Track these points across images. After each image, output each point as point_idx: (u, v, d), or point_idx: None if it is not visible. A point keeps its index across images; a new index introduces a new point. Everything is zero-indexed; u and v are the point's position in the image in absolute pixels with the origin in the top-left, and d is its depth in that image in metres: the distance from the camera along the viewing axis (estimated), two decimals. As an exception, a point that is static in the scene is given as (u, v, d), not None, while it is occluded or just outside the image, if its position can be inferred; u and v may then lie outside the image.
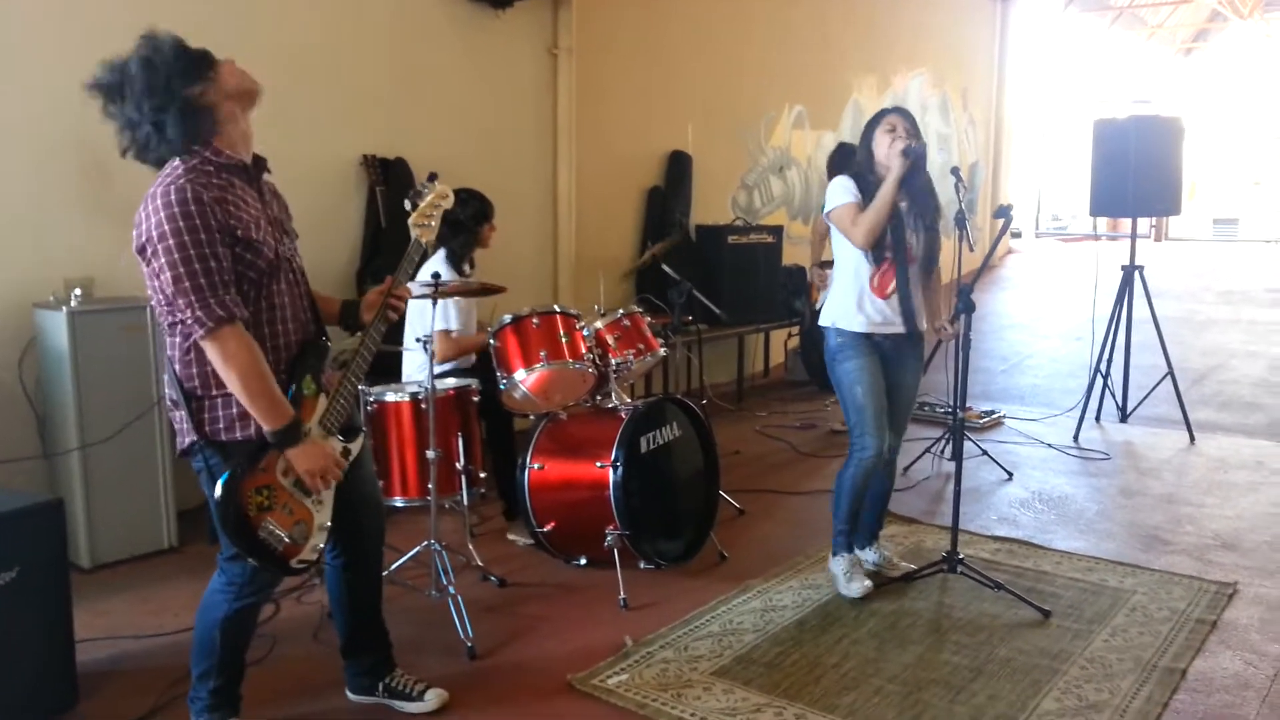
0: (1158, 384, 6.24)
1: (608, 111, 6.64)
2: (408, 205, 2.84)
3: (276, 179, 2.58)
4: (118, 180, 4.14)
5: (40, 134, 4.06)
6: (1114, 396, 6.41)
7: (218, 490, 2.33)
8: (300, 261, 2.60)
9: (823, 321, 3.69)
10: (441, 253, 4.35)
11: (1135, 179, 5.88)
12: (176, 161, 2.33)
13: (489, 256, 5.09)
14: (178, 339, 2.37)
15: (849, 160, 5.01)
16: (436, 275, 3.62)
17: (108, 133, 4.23)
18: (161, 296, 2.32)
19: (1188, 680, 3.08)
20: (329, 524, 2.52)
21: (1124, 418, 6.41)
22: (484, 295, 4.05)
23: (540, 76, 6.21)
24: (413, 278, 3.12)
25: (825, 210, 3.63)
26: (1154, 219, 15.32)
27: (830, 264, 3.88)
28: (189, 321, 2.27)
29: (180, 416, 2.43)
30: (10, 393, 4.00)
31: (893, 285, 3.55)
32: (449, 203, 2.89)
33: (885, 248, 3.53)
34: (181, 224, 2.24)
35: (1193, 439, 5.97)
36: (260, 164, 2.50)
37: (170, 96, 2.28)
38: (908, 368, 3.71)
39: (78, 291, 3.91)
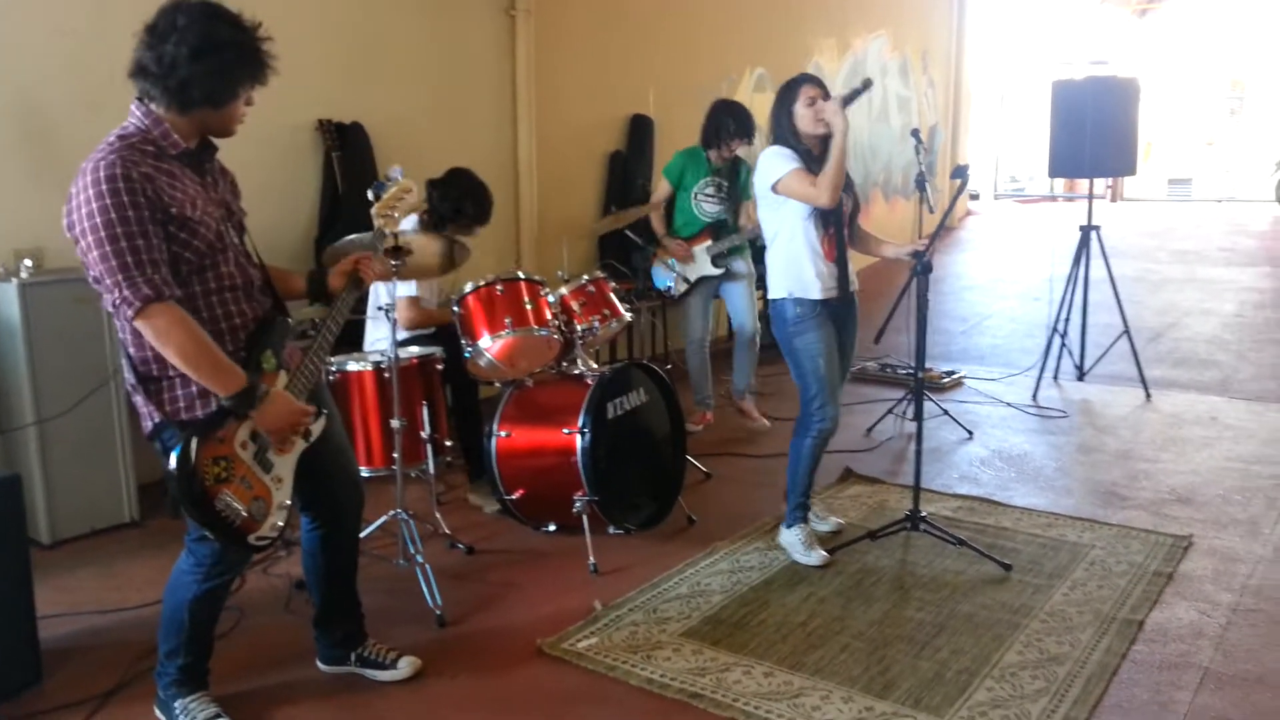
0: (1114, 343, 6.34)
1: (567, 75, 6.56)
2: (370, 195, 2.89)
3: (231, 146, 2.52)
4: (64, 147, 4.03)
5: (-16, 101, 3.95)
6: (1071, 355, 6.51)
7: (172, 460, 2.29)
8: (251, 241, 2.56)
9: (775, 294, 3.65)
10: (414, 219, 4.30)
11: (1092, 140, 5.92)
12: (112, 137, 2.28)
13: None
14: (124, 322, 2.31)
15: (723, 118, 5.04)
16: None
17: (52, 99, 4.10)
18: (93, 276, 2.27)
19: (1145, 631, 3.15)
20: (288, 503, 2.49)
21: (1081, 376, 6.50)
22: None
23: (498, 38, 6.12)
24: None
25: (771, 182, 3.53)
26: (1110, 180, 15.50)
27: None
28: (118, 302, 2.22)
29: (141, 400, 2.39)
30: (-39, 367, 3.91)
31: (835, 250, 3.59)
32: (413, 196, 2.98)
33: (831, 212, 3.55)
34: (109, 201, 2.18)
35: (1148, 396, 6.08)
36: (207, 148, 2.45)
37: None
38: (849, 331, 3.75)
39: (28, 262, 3.83)
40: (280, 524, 2.47)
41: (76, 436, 3.89)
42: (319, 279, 2.70)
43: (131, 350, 2.37)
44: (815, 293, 3.57)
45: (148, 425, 2.40)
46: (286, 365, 2.51)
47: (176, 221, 2.28)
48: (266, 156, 4.86)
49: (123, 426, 4.00)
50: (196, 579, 2.55)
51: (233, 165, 2.65)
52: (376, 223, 2.86)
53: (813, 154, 3.55)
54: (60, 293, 3.80)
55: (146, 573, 3.63)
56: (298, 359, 2.54)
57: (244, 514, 2.37)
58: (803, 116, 3.54)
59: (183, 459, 2.28)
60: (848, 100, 3.51)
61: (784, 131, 3.60)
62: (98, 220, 2.19)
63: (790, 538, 3.75)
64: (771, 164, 3.56)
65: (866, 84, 3.64)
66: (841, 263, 3.61)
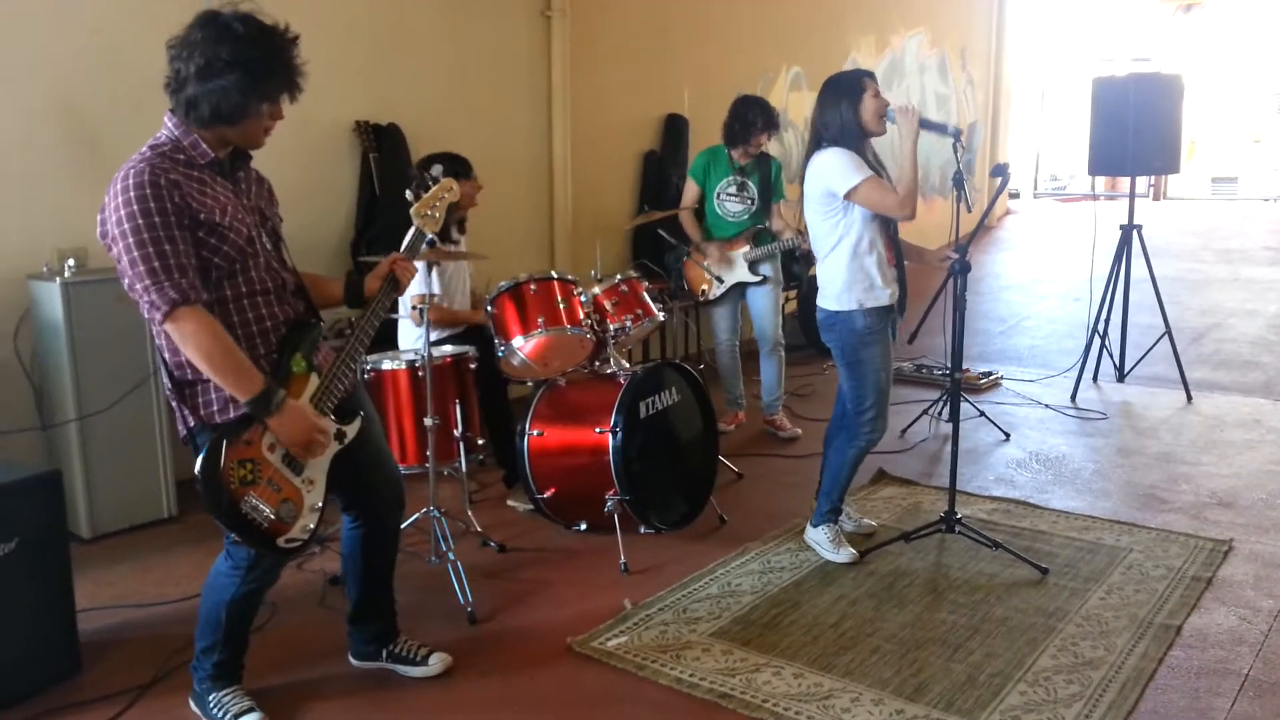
0: (1155, 343, 6.23)
1: (602, 75, 6.57)
2: (410, 195, 2.85)
3: (270, 147, 2.55)
4: (106, 147, 4.11)
5: (26, 104, 4.02)
6: (1111, 356, 6.41)
7: (197, 462, 2.32)
8: (285, 248, 2.58)
9: (841, 306, 3.51)
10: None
11: (1134, 137, 5.84)
12: (145, 147, 2.33)
13: (485, 222, 5.08)
14: (157, 327, 2.35)
15: (749, 113, 5.00)
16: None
17: (94, 101, 4.18)
18: (127, 282, 2.30)
19: (1183, 636, 3.10)
20: (320, 504, 2.50)
21: (1121, 377, 6.41)
22: (463, 259, 4.08)
23: (533, 39, 6.14)
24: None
25: (843, 189, 3.39)
26: (1153, 178, 15.25)
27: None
28: (146, 306, 2.26)
29: (177, 405, 2.43)
30: (6, 365, 3.99)
31: (894, 253, 3.57)
32: (453, 195, 2.92)
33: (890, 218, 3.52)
34: (137, 208, 2.22)
35: (1190, 398, 5.97)
36: (239, 156, 2.47)
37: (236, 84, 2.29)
38: (893, 335, 3.72)
39: (71, 262, 3.89)
40: (312, 526, 2.48)
41: (117, 433, 3.95)
42: (356, 284, 2.72)
43: (167, 355, 2.41)
44: (885, 300, 3.52)
45: (183, 429, 2.45)
46: (319, 368, 2.53)
47: (206, 227, 2.31)
48: (304, 157, 4.92)
49: (162, 423, 4.06)
50: (234, 581, 2.58)
51: (270, 166, 2.68)
52: (416, 222, 2.84)
53: (864, 153, 3.48)
54: (102, 291, 3.87)
55: (184, 567, 3.68)
56: (330, 361, 2.57)
57: (271, 516, 2.39)
58: (870, 108, 3.44)
59: (206, 462, 2.31)
60: (924, 124, 3.47)
61: (841, 124, 3.45)
62: (126, 226, 2.23)
63: (818, 535, 3.75)
64: (838, 169, 3.42)
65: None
66: (900, 266, 3.59)
